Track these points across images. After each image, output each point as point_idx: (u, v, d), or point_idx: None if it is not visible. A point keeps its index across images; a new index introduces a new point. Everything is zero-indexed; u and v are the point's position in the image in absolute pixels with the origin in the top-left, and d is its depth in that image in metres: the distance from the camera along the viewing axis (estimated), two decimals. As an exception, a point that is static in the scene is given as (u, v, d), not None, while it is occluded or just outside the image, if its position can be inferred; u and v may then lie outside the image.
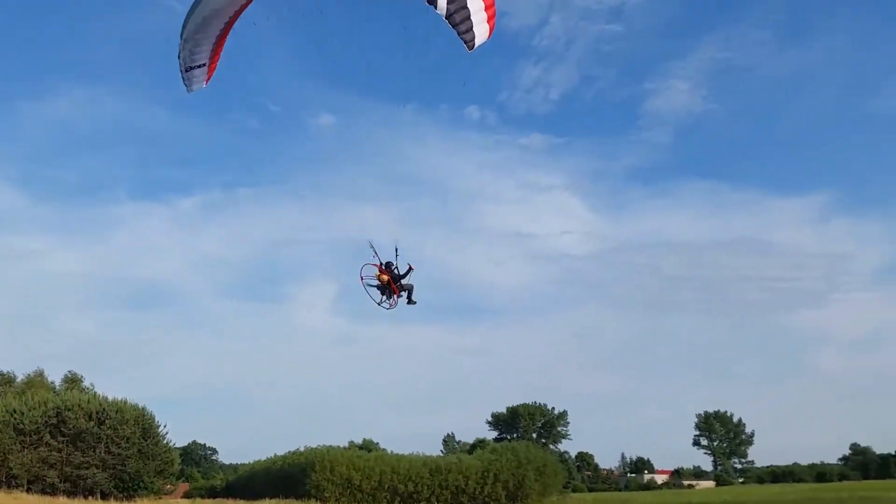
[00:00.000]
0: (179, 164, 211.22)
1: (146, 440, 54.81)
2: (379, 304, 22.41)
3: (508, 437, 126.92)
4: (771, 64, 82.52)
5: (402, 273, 22.24)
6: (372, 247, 21.95)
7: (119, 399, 56.23)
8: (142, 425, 54.99)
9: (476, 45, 15.54)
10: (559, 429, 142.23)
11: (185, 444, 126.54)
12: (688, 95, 79.66)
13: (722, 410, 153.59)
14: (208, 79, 21.88)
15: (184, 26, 19.96)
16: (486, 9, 15.28)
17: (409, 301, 22.74)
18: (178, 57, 20.82)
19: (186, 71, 21.19)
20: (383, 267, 22.23)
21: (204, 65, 21.37)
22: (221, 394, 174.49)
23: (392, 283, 22.13)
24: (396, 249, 21.93)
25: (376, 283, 22.33)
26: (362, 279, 22.23)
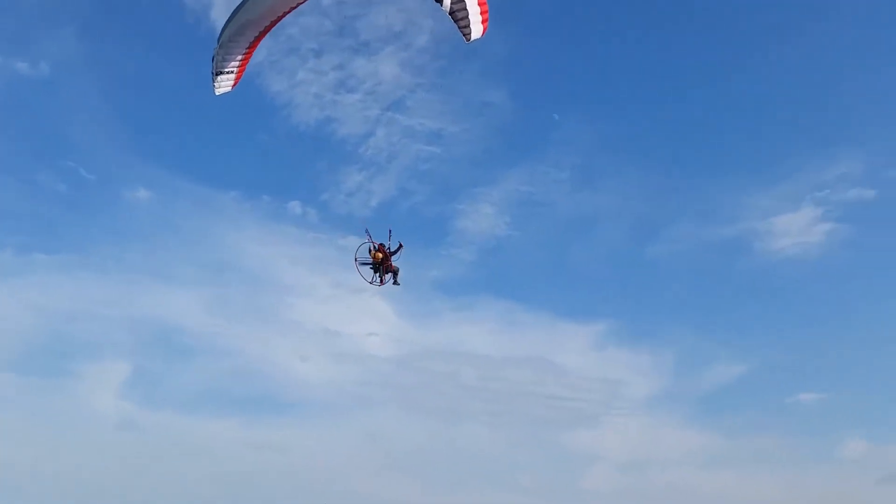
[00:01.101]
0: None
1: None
2: (371, 283, 24.91)
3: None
4: (567, 202, 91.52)
5: (393, 250, 24.95)
6: (367, 232, 24.72)
7: None
8: None
9: (472, 38, 19.05)
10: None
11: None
12: (493, 220, 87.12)
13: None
14: (234, 84, 25.17)
15: (222, 32, 23.40)
16: (482, 12, 18.93)
17: (395, 282, 25.36)
18: (212, 60, 24.12)
19: (217, 75, 24.47)
20: (377, 247, 24.90)
21: (232, 72, 24.70)
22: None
23: (387, 260, 24.72)
24: (390, 231, 24.83)
25: (370, 262, 24.91)
26: (356, 259, 24.82)
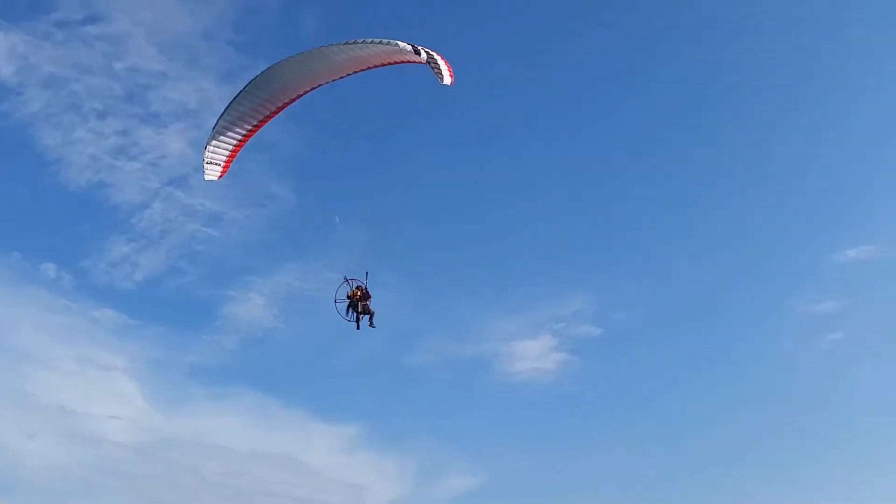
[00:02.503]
0: None
1: None
2: (348, 320, 26.03)
3: None
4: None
5: (368, 293, 26.47)
6: (345, 279, 26.46)
7: None
8: None
9: (445, 81, 23.40)
10: None
11: None
12: (262, 310, 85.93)
13: None
14: (221, 175, 27.95)
15: (216, 123, 26.76)
16: (447, 64, 23.72)
17: (371, 324, 26.62)
18: (205, 148, 27.12)
19: (207, 164, 27.35)
20: (355, 288, 26.46)
21: (219, 164, 27.61)
22: None
23: (364, 299, 26.11)
24: (367, 274, 26.55)
25: (347, 301, 26.31)
26: (336, 301, 26.21)
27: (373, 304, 26.80)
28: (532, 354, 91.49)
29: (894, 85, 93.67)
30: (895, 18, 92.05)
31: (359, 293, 26.53)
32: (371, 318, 26.85)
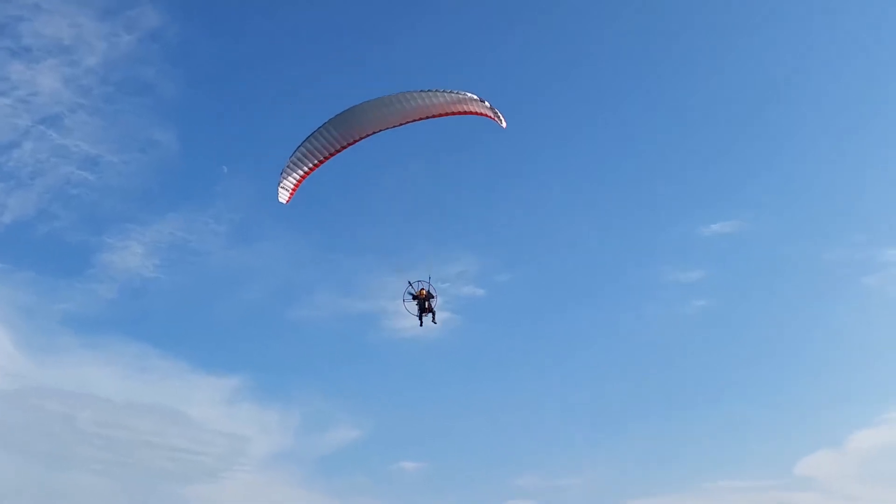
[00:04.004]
0: None
1: None
2: (416, 316, 31.03)
3: None
4: (221, 255, 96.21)
5: (434, 294, 31.71)
6: (409, 283, 31.53)
7: None
8: None
9: (503, 125, 29.98)
10: None
11: None
12: (141, 259, 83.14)
13: None
14: (288, 199, 32.39)
15: (293, 153, 31.20)
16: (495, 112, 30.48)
17: (434, 321, 31.63)
18: (281, 172, 31.41)
19: (280, 187, 31.70)
20: (420, 290, 31.51)
21: (289, 189, 32.12)
22: None
23: (429, 299, 31.33)
24: (430, 277, 31.69)
25: (414, 299, 31.32)
26: (404, 300, 31.15)
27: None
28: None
29: (760, 62, 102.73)
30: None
31: (424, 293, 31.78)
32: (434, 316, 32.08)
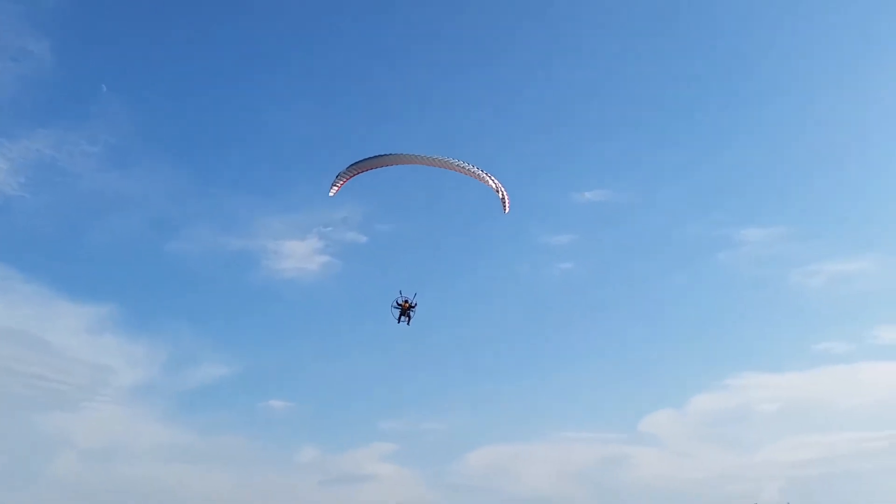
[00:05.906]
0: None
1: None
2: (398, 321, 42.63)
3: None
4: (93, 178, 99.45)
5: (413, 305, 42.90)
6: (400, 293, 42.64)
7: None
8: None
9: (506, 211, 39.17)
10: None
11: None
12: (4, 175, 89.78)
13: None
14: (335, 192, 42.18)
15: (348, 167, 40.43)
16: (506, 192, 39.53)
17: (407, 323, 42.57)
18: (336, 175, 40.75)
19: (333, 184, 41.25)
20: (405, 301, 42.86)
21: (337, 185, 41.71)
22: None
23: (409, 310, 42.68)
24: (415, 294, 42.42)
25: (398, 309, 42.59)
26: (392, 307, 42.36)
27: None
28: (298, 254, 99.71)
29: (648, 41, 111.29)
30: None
31: (407, 305, 42.70)
32: (409, 320, 43.05)
